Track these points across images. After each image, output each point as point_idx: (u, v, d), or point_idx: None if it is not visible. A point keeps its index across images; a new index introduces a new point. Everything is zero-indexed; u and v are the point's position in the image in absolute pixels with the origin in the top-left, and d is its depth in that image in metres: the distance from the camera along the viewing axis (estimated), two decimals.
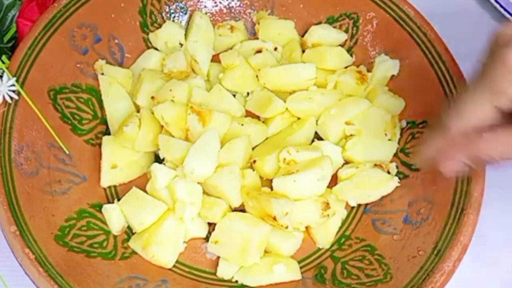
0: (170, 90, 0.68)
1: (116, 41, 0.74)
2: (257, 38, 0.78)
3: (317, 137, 0.71)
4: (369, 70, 0.74)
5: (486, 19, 0.86)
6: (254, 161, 0.67)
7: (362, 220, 0.69)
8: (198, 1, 0.78)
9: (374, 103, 0.71)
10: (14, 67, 0.66)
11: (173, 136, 0.67)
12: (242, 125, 0.69)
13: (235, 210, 0.66)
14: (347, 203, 0.69)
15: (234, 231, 0.63)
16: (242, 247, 0.62)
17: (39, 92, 0.67)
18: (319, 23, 0.78)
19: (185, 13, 0.78)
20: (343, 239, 0.68)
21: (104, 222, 0.66)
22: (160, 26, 0.76)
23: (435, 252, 0.61)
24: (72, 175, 0.67)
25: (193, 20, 0.76)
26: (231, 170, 0.65)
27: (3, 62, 0.67)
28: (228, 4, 0.79)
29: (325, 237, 0.67)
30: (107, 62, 0.73)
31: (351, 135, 0.70)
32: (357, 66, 0.74)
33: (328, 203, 0.64)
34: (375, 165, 0.68)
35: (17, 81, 0.65)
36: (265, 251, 0.65)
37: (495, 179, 0.69)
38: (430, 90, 0.70)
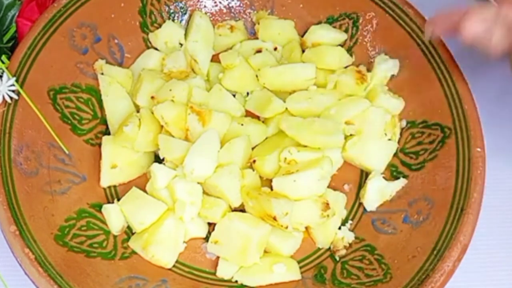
0: (170, 90, 0.68)
1: (116, 41, 0.74)
2: (257, 38, 0.78)
3: None
4: (369, 70, 0.74)
5: None
6: (254, 161, 0.67)
7: (362, 220, 0.69)
8: (198, 1, 0.78)
9: (374, 103, 0.71)
10: (13, 67, 0.66)
11: (173, 136, 0.67)
12: (242, 125, 0.69)
13: (235, 210, 0.66)
14: (346, 203, 0.69)
15: (234, 231, 0.63)
16: (242, 247, 0.62)
17: (39, 92, 0.67)
18: (319, 23, 0.78)
19: (185, 13, 0.78)
20: None
21: (104, 222, 0.66)
22: (160, 26, 0.76)
23: (435, 252, 0.61)
24: (72, 175, 0.67)
25: (193, 20, 0.76)
26: (231, 170, 0.65)
27: (2, 62, 0.67)
28: (228, 4, 0.79)
29: (325, 237, 0.67)
30: (107, 62, 0.73)
31: (351, 135, 0.70)
32: (357, 66, 0.74)
33: (328, 203, 0.64)
34: None
35: (16, 81, 0.65)
36: (265, 251, 0.65)
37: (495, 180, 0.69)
38: (430, 90, 0.70)
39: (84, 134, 0.70)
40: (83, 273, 0.61)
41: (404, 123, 0.72)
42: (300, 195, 0.64)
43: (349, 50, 0.76)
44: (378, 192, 0.68)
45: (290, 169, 0.65)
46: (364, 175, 0.71)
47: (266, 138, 0.70)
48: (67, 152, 0.67)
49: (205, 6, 0.79)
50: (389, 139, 0.70)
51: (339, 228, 0.67)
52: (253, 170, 0.67)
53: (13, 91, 0.63)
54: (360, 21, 0.76)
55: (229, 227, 0.63)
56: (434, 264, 0.60)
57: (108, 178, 0.68)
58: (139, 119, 0.67)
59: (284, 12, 0.79)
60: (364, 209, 0.69)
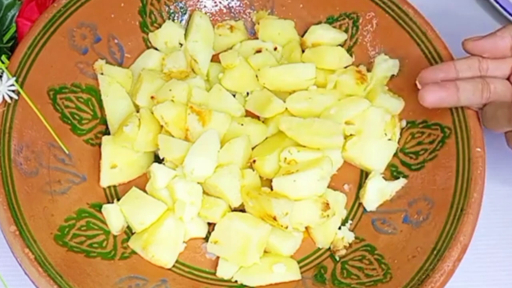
0: (170, 90, 0.68)
1: (116, 41, 0.74)
2: (257, 38, 0.78)
3: None
4: (369, 70, 0.74)
5: (486, 19, 0.86)
6: (254, 161, 0.67)
7: (362, 220, 0.69)
8: (198, 1, 0.78)
9: (374, 103, 0.71)
10: (13, 67, 0.66)
11: (172, 136, 0.67)
12: (242, 125, 0.69)
13: (235, 210, 0.66)
14: (346, 203, 0.69)
15: (233, 231, 0.63)
16: (242, 247, 0.62)
17: (39, 92, 0.67)
18: (319, 23, 0.78)
19: (185, 13, 0.78)
20: None
21: (104, 222, 0.66)
22: (159, 26, 0.76)
23: (435, 252, 0.61)
24: (72, 175, 0.67)
25: (192, 20, 0.76)
26: (230, 170, 0.65)
27: (2, 62, 0.67)
28: (228, 4, 0.79)
29: (325, 237, 0.67)
30: (107, 62, 0.73)
31: (351, 135, 0.70)
32: (357, 66, 0.74)
33: (328, 204, 0.64)
34: None
35: (16, 81, 0.65)
36: (265, 251, 0.65)
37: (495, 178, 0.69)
38: None
39: (84, 134, 0.70)
40: (83, 273, 0.61)
41: (404, 123, 0.72)
42: (300, 195, 0.64)
43: (349, 50, 0.76)
44: (377, 192, 0.68)
45: (290, 169, 0.65)
46: (364, 175, 0.71)
47: (266, 138, 0.70)
48: (67, 152, 0.67)
49: (205, 6, 0.79)
50: (389, 139, 0.70)
51: (339, 228, 0.67)
52: (253, 170, 0.67)
53: (13, 91, 0.63)
54: (360, 21, 0.76)
55: (229, 227, 0.63)
56: (434, 264, 0.60)
57: (108, 178, 0.68)
58: (139, 119, 0.67)
59: (284, 12, 0.79)
60: (364, 209, 0.69)
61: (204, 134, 0.65)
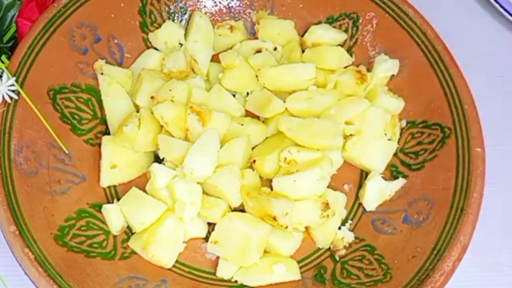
0: (170, 90, 0.68)
1: (116, 41, 0.74)
2: (256, 38, 0.78)
3: None
4: (368, 70, 0.74)
5: (486, 19, 0.86)
6: (254, 161, 0.67)
7: (362, 220, 0.69)
8: (198, 1, 0.78)
9: (374, 103, 0.71)
10: (13, 67, 0.66)
11: (172, 136, 0.67)
12: (242, 125, 0.69)
13: (234, 210, 0.66)
14: (346, 203, 0.69)
15: (233, 231, 0.63)
16: (242, 247, 0.62)
17: (39, 92, 0.67)
18: (319, 23, 0.78)
19: (185, 13, 0.78)
20: None
21: (104, 222, 0.66)
22: (159, 26, 0.76)
23: (435, 252, 0.61)
24: (72, 175, 0.67)
25: (192, 20, 0.76)
26: (230, 170, 0.65)
27: (2, 62, 0.67)
28: (227, 4, 0.79)
29: (325, 237, 0.67)
30: (107, 62, 0.73)
31: (351, 135, 0.70)
32: (357, 66, 0.74)
33: (327, 204, 0.64)
34: None
35: (16, 81, 0.65)
36: (265, 251, 0.65)
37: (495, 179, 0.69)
38: (429, 90, 0.70)
39: (84, 134, 0.70)
40: (83, 273, 0.61)
41: (404, 123, 0.72)
42: (300, 195, 0.64)
43: (349, 50, 0.76)
44: (377, 192, 0.68)
45: (290, 169, 0.65)
46: (364, 175, 0.71)
47: (266, 138, 0.70)
48: (67, 152, 0.67)
49: (205, 6, 0.79)
50: (389, 139, 0.70)
51: (339, 228, 0.67)
52: (253, 170, 0.67)
53: (13, 91, 0.63)
54: (360, 21, 0.76)
55: (229, 227, 0.63)
56: (434, 264, 0.60)
57: (108, 178, 0.68)
58: (139, 119, 0.67)
59: (284, 12, 0.79)
60: (364, 209, 0.69)
61: (204, 134, 0.65)
